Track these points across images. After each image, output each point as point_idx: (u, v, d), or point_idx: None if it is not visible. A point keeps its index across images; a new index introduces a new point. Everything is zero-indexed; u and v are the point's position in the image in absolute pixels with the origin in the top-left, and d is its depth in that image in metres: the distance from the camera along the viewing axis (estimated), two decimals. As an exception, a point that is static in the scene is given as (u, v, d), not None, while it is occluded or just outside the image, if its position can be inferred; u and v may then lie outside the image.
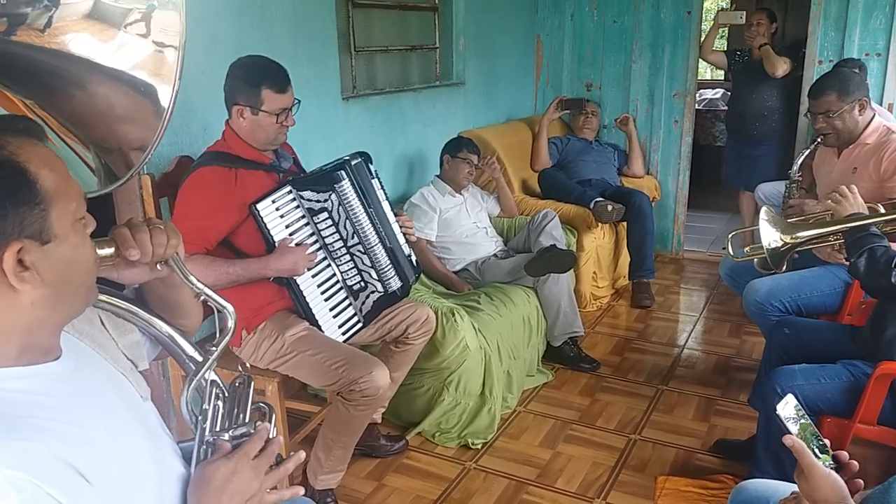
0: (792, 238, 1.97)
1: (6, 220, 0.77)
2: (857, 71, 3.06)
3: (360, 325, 2.13)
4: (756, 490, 1.41)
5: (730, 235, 2.43)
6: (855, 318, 2.35)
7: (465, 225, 3.15)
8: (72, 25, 1.02)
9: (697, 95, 4.65)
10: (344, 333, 2.09)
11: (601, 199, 3.59)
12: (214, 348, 1.05)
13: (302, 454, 1.03)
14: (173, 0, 1.01)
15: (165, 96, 1.03)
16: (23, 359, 0.83)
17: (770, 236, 1.97)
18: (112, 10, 1.02)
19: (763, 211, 2.01)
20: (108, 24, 1.02)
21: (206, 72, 2.22)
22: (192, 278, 1.04)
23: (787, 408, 1.17)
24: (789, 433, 1.14)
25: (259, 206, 1.93)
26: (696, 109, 4.45)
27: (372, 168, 2.11)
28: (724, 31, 6.71)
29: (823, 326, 2.25)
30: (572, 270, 3.19)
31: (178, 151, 2.24)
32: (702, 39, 4.22)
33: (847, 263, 1.94)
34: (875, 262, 1.78)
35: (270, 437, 1.00)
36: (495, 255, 3.16)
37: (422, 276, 2.80)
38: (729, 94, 5.33)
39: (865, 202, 2.03)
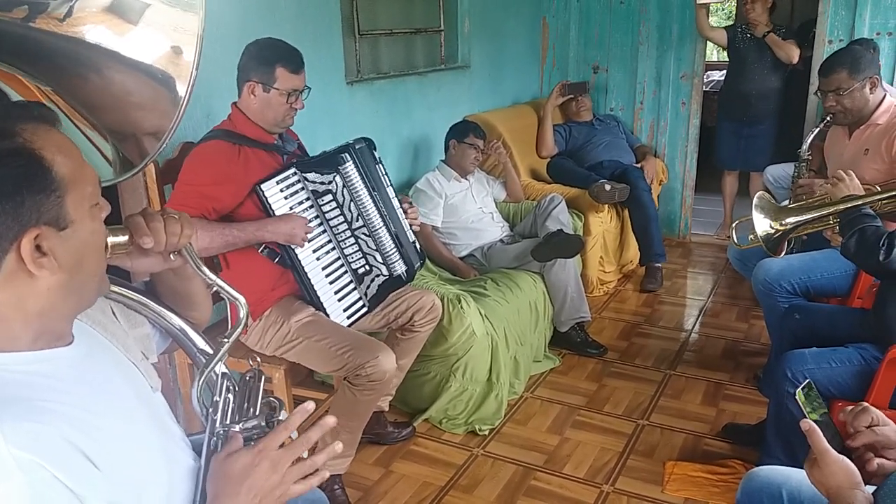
0: (781, 224, 1.95)
1: (23, 207, 0.77)
2: (871, 51, 3.01)
3: (364, 309, 2.12)
4: (767, 477, 1.41)
5: (734, 224, 2.41)
6: (865, 301, 2.33)
7: (470, 210, 3.13)
8: (91, 17, 1.01)
9: (705, 77, 4.59)
10: (349, 317, 2.08)
11: (601, 179, 3.53)
12: (225, 340, 1.05)
13: (339, 445, 0.98)
14: (192, 1, 1.00)
15: (182, 85, 1.03)
16: (38, 344, 0.84)
17: (761, 224, 1.96)
18: (132, 4, 1.02)
19: (756, 198, 1.99)
20: (126, 18, 1.02)
21: (209, 57, 2.16)
22: (205, 269, 1.04)
23: (803, 394, 1.16)
24: (806, 418, 1.13)
25: (263, 186, 1.92)
26: (704, 91, 4.39)
27: (376, 154, 2.11)
28: (731, 11, 6.63)
29: (834, 310, 2.24)
30: (579, 255, 3.17)
31: (182, 138, 2.21)
32: None
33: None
34: (865, 241, 1.77)
35: (299, 431, 0.98)
36: (501, 240, 3.14)
37: (427, 262, 2.79)
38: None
39: (877, 183, 2.00)
